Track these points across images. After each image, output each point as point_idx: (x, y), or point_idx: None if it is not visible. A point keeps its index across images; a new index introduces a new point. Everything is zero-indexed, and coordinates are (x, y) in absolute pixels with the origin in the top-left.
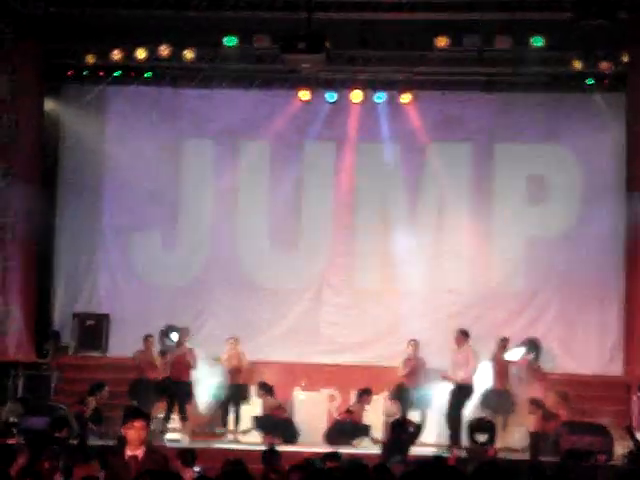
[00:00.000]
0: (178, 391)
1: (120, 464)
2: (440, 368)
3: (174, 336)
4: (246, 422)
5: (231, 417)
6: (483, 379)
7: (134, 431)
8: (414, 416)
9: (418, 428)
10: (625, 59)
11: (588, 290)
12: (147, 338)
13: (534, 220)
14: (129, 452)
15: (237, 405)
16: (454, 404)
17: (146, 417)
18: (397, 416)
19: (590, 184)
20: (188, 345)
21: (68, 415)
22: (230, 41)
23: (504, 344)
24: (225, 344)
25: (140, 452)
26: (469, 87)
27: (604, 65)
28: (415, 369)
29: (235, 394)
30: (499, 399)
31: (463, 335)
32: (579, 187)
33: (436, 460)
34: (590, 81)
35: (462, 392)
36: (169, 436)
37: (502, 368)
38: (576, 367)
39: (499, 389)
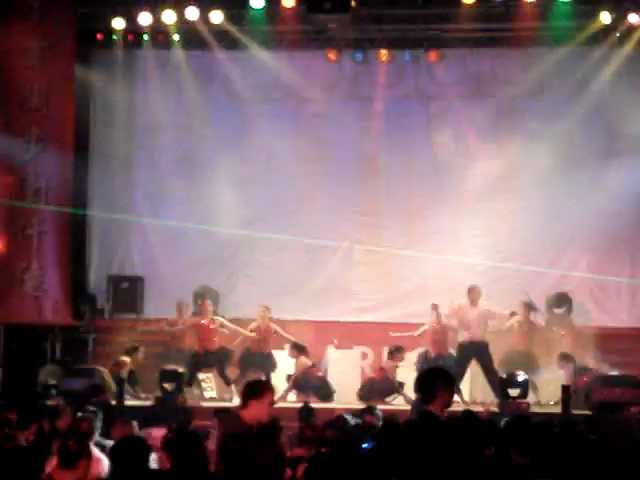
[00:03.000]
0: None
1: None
2: None
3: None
4: (280, 384)
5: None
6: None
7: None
8: None
9: None
10: None
11: (618, 243)
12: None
13: (563, 174)
14: None
15: (266, 373)
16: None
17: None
18: None
19: (618, 138)
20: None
21: (105, 377)
22: (257, 2)
23: (528, 306)
24: (256, 310)
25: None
26: (496, 43)
27: (632, 17)
28: (439, 337)
29: (261, 362)
30: (522, 359)
31: (477, 293)
32: (607, 141)
33: (466, 414)
34: (618, 34)
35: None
36: (205, 395)
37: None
38: (607, 320)
39: (521, 349)
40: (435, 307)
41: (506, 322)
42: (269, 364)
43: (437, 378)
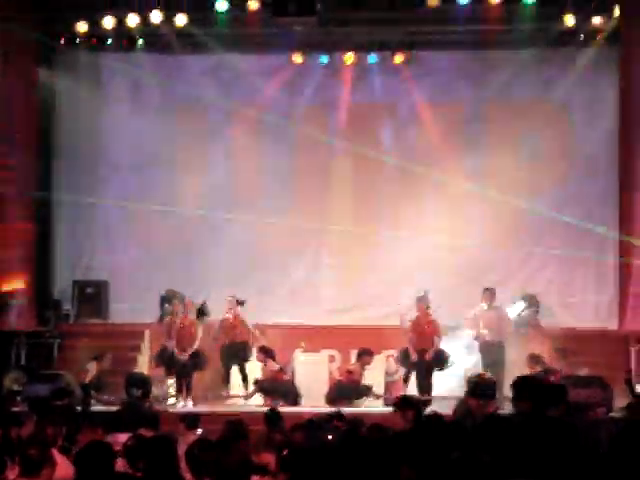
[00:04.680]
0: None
1: None
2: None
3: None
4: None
5: (237, 377)
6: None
7: None
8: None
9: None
10: (616, 13)
11: (585, 246)
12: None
13: (529, 177)
14: None
15: (240, 364)
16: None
17: None
18: (397, 375)
19: (584, 139)
20: (191, 316)
21: (71, 382)
22: (222, 5)
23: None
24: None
25: None
26: (461, 46)
27: (596, 20)
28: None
29: (235, 353)
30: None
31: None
32: (573, 143)
33: (435, 416)
34: (582, 36)
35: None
36: (171, 401)
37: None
38: (574, 322)
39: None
40: (422, 298)
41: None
42: (246, 353)
43: None
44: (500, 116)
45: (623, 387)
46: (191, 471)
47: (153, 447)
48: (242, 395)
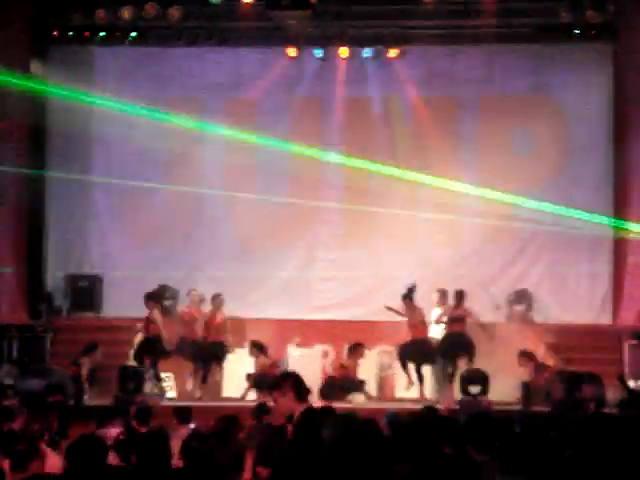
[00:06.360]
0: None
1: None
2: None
3: None
4: (240, 383)
5: (199, 375)
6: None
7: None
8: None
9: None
10: (611, 9)
11: (578, 241)
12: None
13: (522, 172)
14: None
15: (206, 363)
16: None
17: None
18: (391, 370)
19: (578, 134)
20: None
21: (63, 377)
22: None
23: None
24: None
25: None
26: (456, 40)
27: (591, 15)
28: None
29: (205, 351)
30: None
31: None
32: (566, 138)
33: (427, 411)
34: (577, 31)
35: None
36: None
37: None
38: (567, 317)
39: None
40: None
41: None
42: (223, 353)
43: None
44: (494, 111)
45: (616, 382)
46: (186, 463)
47: (145, 441)
48: (239, 397)
